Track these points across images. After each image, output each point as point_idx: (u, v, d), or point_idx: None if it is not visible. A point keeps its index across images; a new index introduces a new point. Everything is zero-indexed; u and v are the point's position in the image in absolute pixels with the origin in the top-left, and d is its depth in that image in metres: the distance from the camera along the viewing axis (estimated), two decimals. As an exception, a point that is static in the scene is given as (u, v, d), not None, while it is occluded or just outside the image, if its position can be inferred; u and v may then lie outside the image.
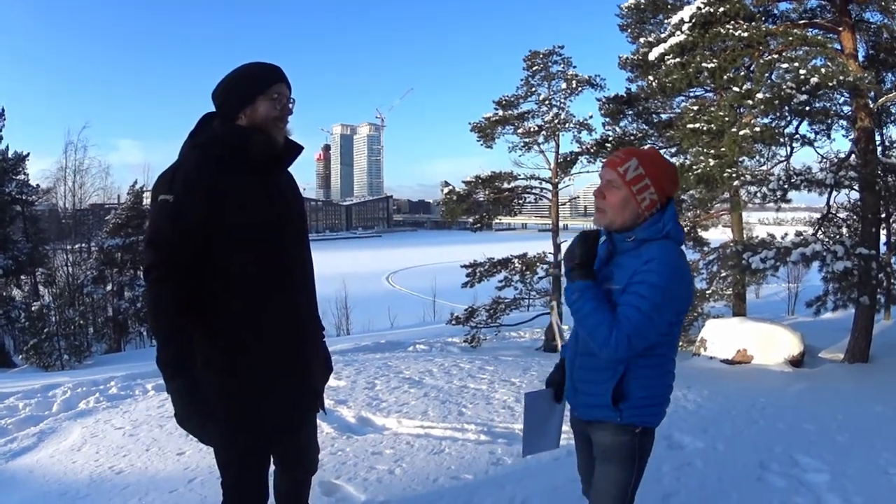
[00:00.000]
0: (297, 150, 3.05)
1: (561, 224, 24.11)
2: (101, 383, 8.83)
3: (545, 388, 3.25)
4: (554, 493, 4.61)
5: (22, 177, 31.18)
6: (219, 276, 2.78)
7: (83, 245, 34.63)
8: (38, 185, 32.67)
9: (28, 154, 31.06)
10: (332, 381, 8.17)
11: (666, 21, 15.89)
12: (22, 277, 31.60)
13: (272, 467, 3.24)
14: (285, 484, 3.36)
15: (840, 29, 12.52)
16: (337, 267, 51.16)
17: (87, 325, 29.54)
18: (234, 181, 2.78)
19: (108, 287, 33.16)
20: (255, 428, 2.91)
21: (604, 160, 2.98)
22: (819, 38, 12.48)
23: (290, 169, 3.16)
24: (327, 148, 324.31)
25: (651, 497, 4.38)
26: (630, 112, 19.82)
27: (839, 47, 12.53)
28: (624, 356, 2.61)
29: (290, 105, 2.94)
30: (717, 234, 20.03)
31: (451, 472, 5.08)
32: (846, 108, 13.05)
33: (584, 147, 22.01)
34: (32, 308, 25.69)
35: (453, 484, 4.86)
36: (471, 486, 4.83)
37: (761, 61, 12.52)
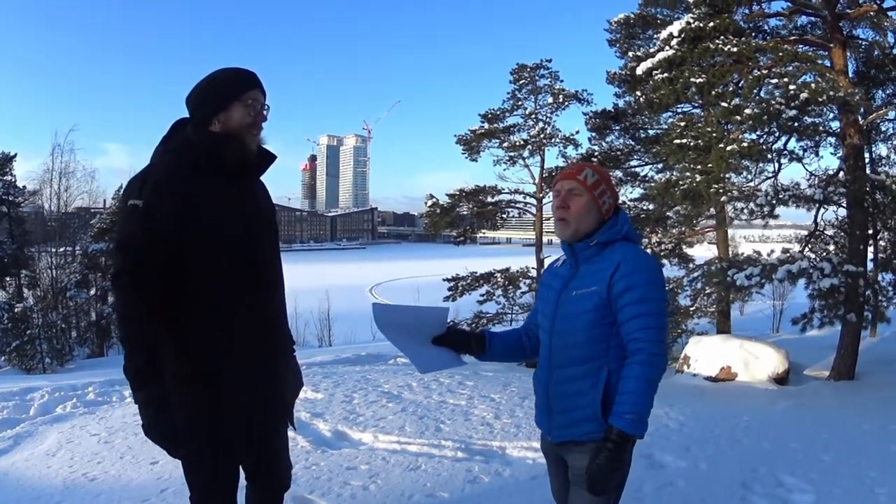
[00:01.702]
0: (270, 158, 2.97)
1: (545, 239, 24.16)
2: (79, 388, 8.76)
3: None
4: None
5: (9, 178, 31.19)
6: (188, 283, 2.71)
7: (68, 248, 34.29)
8: (24, 186, 32.58)
9: (15, 155, 31.16)
10: (309, 394, 8.11)
11: (655, 36, 15.92)
12: (6, 279, 31.48)
13: (244, 483, 3.14)
14: (256, 499, 3.24)
15: (831, 45, 12.60)
16: (320, 278, 51.21)
17: (69, 328, 29.67)
18: (206, 187, 2.72)
19: (92, 291, 32.95)
20: (223, 440, 2.82)
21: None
22: (809, 54, 12.51)
23: (267, 178, 3.09)
24: (313, 158, 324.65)
25: (634, 517, 4.27)
26: (617, 127, 19.89)
27: (829, 64, 12.56)
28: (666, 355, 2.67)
29: (265, 112, 2.87)
30: (702, 252, 19.98)
31: (426, 489, 4.99)
32: (835, 125, 13.07)
33: (569, 162, 22.03)
34: (16, 310, 25.62)
35: (428, 502, 4.78)
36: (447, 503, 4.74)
37: (750, 77, 12.55)
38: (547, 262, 22.24)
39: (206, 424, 2.77)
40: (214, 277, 2.74)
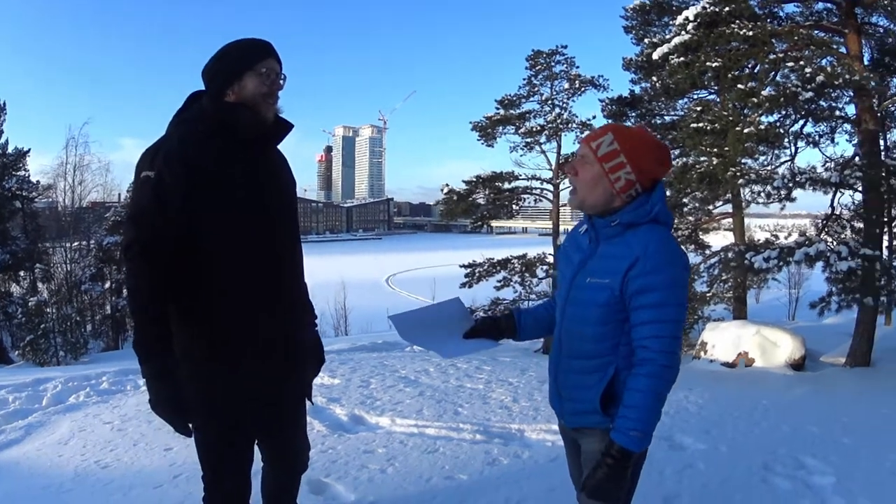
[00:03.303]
0: (286, 127, 2.93)
1: (561, 227, 24.06)
2: (92, 378, 8.69)
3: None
4: (551, 495, 4.50)
5: (22, 173, 31.23)
6: (202, 256, 2.67)
7: (82, 242, 34.32)
8: (38, 181, 32.66)
9: (29, 150, 31.20)
10: (325, 380, 8.08)
11: (671, 23, 15.83)
12: (20, 273, 31.55)
13: (261, 464, 3.15)
14: (273, 481, 3.25)
15: (846, 32, 12.49)
16: (337, 269, 51.19)
17: (84, 322, 29.56)
18: (221, 158, 2.68)
19: (107, 285, 33.00)
20: (236, 421, 2.82)
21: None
22: (825, 39, 12.42)
23: (286, 158, 3.05)
24: (329, 149, 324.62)
25: (652, 499, 4.24)
26: (633, 114, 19.71)
27: (845, 50, 12.51)
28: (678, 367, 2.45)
29: (281, 81, 2.82)
30: (719, 240, 19.88)
31: (444, 471, 4.95)
32: (850, 110, 13.05)
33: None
34: (30, 304, 25.62)
35: (447, 484, 4.73)
36: (465, 486, 4.71)
37: (766, 61, 12.44)
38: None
39: (219, 400, 2.75)
40: (231, 249, 2.71)
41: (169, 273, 2.59)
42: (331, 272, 41.99)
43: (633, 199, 2.48)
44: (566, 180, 22.80)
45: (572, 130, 22.64)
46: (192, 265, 2.65)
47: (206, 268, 2.68)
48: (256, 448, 3.08)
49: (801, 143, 13.56)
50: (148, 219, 2.56)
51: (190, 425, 2.70)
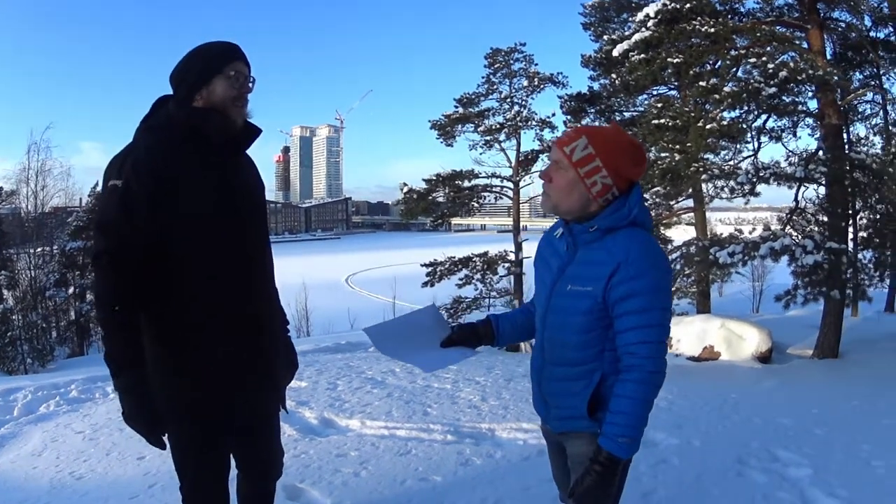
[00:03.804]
0: (255, 132, 2.89)
1: (521, 224, 24.17)
2: (61, 386, 8.65)
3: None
4: (526, 494, 4.51)
5: (-16, 180, 30.59)
6: (172, 262, 2.63)
7: (45, 248, 33.93)
8: (1, 187, 32.20)
9: (-9, 157, 30.67)
10: (293, 383, 8.00)
11: (630, 19, 15.91)
12: (-14, 280, 31.02)
13: (236, 472, 3.10)
14: (249, 489, 3.20)
15: (808, 27, 12.61)
16: (297, 270, 51.01)
17: (49, 328, 29.50)
18: (190, 165, 2.64)
19: (71, 290, 32.67)
20: (210, 429, 2.77)
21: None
22: (787, 35, 12.55)
23: (254, 161, 3.03)
24: (287, 149, 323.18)
25: (629, 496, 4.19)
26: (592, 110, 19.92)
27: (807, 45, 12.64)
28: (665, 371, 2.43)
29: (250, 84, 2.79)
30: (680, 234, 20.10)
31: (418, 473, 4.97)
32: (813, 105, 13.24)
33: (545, 145, 22.28)
34: (-4, 312, 25.30)
35: (422, 486, 4.75)
36: (440, 487, 4.72)
37: (728, 57, 12.53)
38: (525, 246, 22.39)
39: (191, 408, 2.72)
40: (201, 253, 2.67)
41: (138, 281, 2.55)
42: (291, 273, 41.63)
43: (610, 203, 2.44)
44: (526, 177, 22.98)
45: (531, 128, 22.91)
46: (162, 271, 2.61)
47: (176, 273, 2.64)
48: (232, 456, 3.04)
49: (763, 138, 13.71)
50: (116, 228, 2.54)
51: (164, 438, 2.67)
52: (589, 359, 2.48)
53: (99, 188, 33.45)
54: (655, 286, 2.36)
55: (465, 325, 2.93)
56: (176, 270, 2.63)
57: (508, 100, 22.93)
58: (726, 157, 16.05)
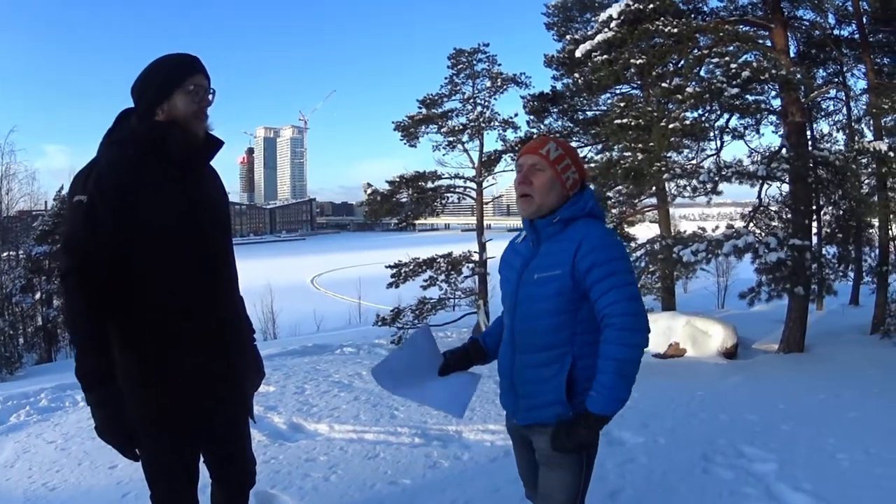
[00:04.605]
0: (217, 144, 2.91)
1: (485, 223, 24.21)
2: (31, 395, 8.66)
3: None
4: (496, 495, 4.59)
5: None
6: (135, 276, 2.65)
7: (11, 253, 33.56)
8: (-33, 192, 31.63)
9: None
10: (261, 388, 7.97)
11: (593, 20, 15.98)
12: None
13: (209, 481, 3.11)
14: (223, 499, 3.19)
15: (772, 26, 12.75)
16: (262, 272, 50.72)
17: (17, 335, 28.87)
18: (152, 179, 2.66)
19: (37, 296, 32.24)
20: (180, 439, 2.80)
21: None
22: (750, 34, 12.66)
23: (217, 172, 3.05)
24: (251, 151, 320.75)
25: (597, 495, 4.27)
26: (555, 110, 19.96)
27: (771, 44, 12.76)
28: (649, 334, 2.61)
29: (210, 97, 2.82)
30: (644, 231, 20.22)
31: (388, 477, 5.05)
32: (776, 103, 13.37)
33: (508, 145, 22.32)
34: (-39, 320, 24.80)
35: (391, 490, 4.83)
36: (409, 490, 4.81)
37: (691, 56, 12.61)
38: (489, 246, 22.46)
39: (161, 419, 2.73)
40: (164, 271, 2.69)
41: (103, 296, 2.55)
42: (256, 275, 41.42)
43: (569, 199, 2.73)
44: (489, 178, 22.98)
45: (494, 128, 22.84)
46: (125, 285, 2.62)
47: (138, 287, 2.66)
48: (204, 465, 3.05)
49: (726, 137, 13.84)
50: (82, 245, 2.55)
51: (136, 450, 2.68)
52: (560, 342, 2.63)
53: (64, 192, 33.20)
54: (618, 254, 2.61)
55: (457, 349, 3.11)
56: (138, 284, 2.65)
57: (471, 100, 22.87)
58: (689, 156, 16.21)
